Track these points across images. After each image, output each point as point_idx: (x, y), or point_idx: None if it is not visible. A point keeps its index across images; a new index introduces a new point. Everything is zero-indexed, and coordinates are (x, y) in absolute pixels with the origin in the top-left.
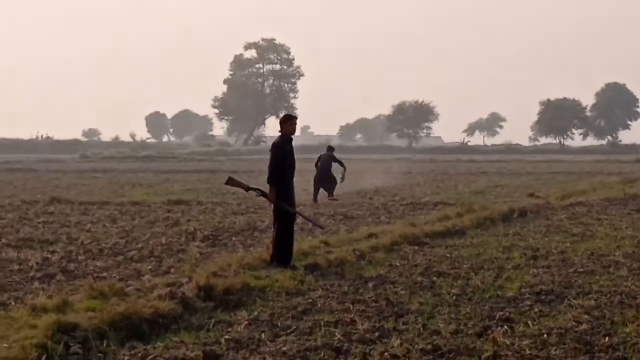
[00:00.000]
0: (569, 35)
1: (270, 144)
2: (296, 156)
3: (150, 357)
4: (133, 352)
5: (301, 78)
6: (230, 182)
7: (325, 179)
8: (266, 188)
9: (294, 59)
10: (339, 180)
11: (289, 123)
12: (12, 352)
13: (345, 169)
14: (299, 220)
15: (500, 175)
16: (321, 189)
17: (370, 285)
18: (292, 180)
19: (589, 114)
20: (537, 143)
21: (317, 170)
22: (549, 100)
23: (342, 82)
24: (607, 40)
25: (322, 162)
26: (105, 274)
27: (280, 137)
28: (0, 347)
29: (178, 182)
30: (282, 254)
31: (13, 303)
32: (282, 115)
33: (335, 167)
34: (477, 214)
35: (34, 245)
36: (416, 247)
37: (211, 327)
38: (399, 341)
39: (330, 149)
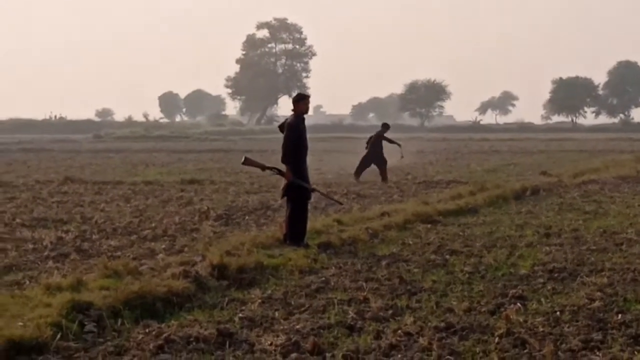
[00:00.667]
0: (582, 13)
1: (282, 122)
2: (308, 135)
3: (164, 335)
4: (147, 330)
5: (313, 57)
6: (247, 161)
7: (373, 158)
8: (281, 167)
9: (306, 38)
10: (395, 158)
11: (302, 102)
12: (27, 330)
13: (399, 145)
14: (313, 198)
15: (513, 153)
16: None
17: (383, 263)
18: (305, 158)
19: (600, 92)
20: (549, 121)
21: (367, 148)
22: (560, 78)
23: (354, 61)
24: (619, 18)
25: (372, 141)
26: (119, 253)
27: (294, 116)
28: (15, 326)
29: (191, 161)
30: (295, 232)
31: (27, 282)
32: (294, 94)
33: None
34: (489, 192)
35: (47, 224)
36: (429, 225)
37: (225, 305)
38: (411, 319)
39: (385, 126)
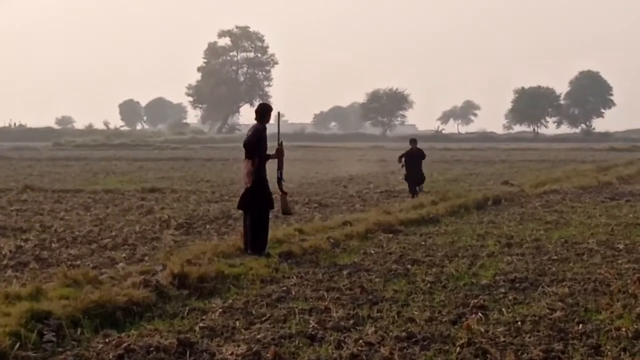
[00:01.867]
0: (543, 23)
1: (243, 131)
2: (269, 144)
3: (124, 344)
4: (107, 340)
5: (275, 66)
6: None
7: (417, 175)
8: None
9: (267, 47)
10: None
11: (267, 113)
12: None
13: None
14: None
15: (475, 163)
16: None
17: (345, 272)
18: (265, 165)
19: (562, 101)
20: (511, 131)
21: (406, 165)
22: (522, 88)
23: (316, 69)
24: (581, 28)
25: (413, 158)
26: (78, 262)
27: (259, 123)
28: None
29: (152, 169)
30: (257, 241)
31: None
32: (256, 103)
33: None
34: (451, 202)
35: (6, 233)
36: (390, 235)
37: (185, 314)
38: (373, 328)
39: (414, 142)
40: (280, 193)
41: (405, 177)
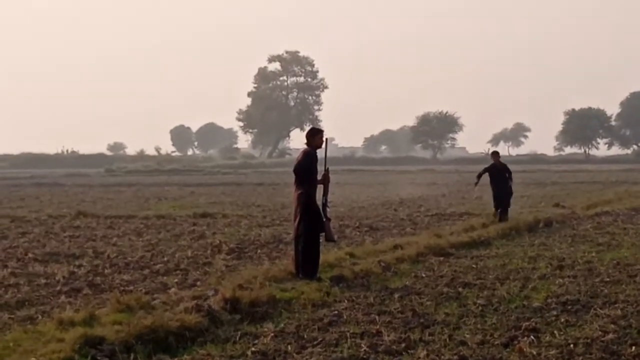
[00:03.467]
0: (593, 44)
1: (294, 156)
2: (320, 168)
3: None
4: None
5: (325, 90)
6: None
7: (503, 195)
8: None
9: (317, 71)
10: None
11: (317, 136)
12: None
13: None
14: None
15: (525, 185)
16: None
17: (396, 296)
18: (315, 190)
19: (613, 123)
20: (561, 153)
21: (492, 183)
22: (573, 109)
23: (366, 93)
24: (631, 48)
25: (498, 174)
26: (131, 287)
27: (309, 148)
28: None
29: (203, 195)
30: (309, 265)
31: (40, 317)
32: (307, 127)
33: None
34: (502, 225)
35: (60, 259)
36: (441, 258)
37: (237, 339)
38: (425, 352)
39: (497, 154)
40: (325, 219)
41: (493, 197)
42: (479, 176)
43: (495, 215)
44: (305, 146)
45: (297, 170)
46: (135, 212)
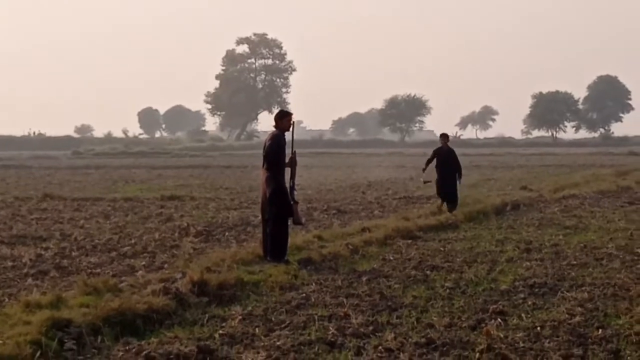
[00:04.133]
0: (561, 28)
1: (262, 138)
2: (288, 150)
3: (144, 352)
4: (127, 348)
5: (293, 72)
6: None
7: (448, 184)
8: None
9: (285, 54)
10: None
11: (285, 119)
12: (6, 348)
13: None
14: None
15: (493, 168)
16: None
17: (364, 279)
18: (284, 173)
19: (580, 106)
20: (529, 136)
21: (437, 168)
22: (540, 93)
23: (334, 76)
24: (599, 33)
25: (444, 159)
26: (98, 270)
27: (277, 130)
28: None
29: (171, 177)
30: (277, 248)
31: (7, 299)
32: (275, 110)
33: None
34: (469, 207)
35: (27, 241)
36: (409, 241)
37: (205, 322)
38: (392, 335)
39: (445, 137)
40: (292, 202)
41: (436, 183)
42: (428, 162)
43: (440, 207)
44: (274, 129)
45: (266, 154)
46: (103, 195)
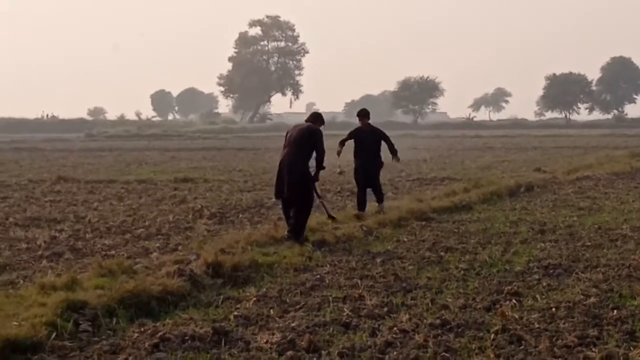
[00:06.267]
0: (575, 9)
1: (275, 121)
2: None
3: (160, 333)
4: (142, 329)
5: (306, 55)
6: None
7: (368, 170)
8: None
9: (298, 36)
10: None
11: (318, 122)
12: (22, 330)
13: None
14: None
15: (506, 150)
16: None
17: (378, 260)
18: None
19: (594, 88)
20: (542, 117)
21: (355, 153)
22: (554, 74)
23: (346, 58)
24: (612, 14)
25: (365, 141)
26: (113, 252)
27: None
28: (10, 325)
29: (184, 159)
30: (299, 227)
31: (22, 281)
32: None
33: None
34: (483, 189)
35: (41, 223)
36: (423, 222)
37: (220, 303)
38: (407, 316)
39: (364, 115)
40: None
41: (354, 173)
42: (342, 143)
43: (360, 215)
44: (309, 123)
45: (319, 149)
46: (116, 177)
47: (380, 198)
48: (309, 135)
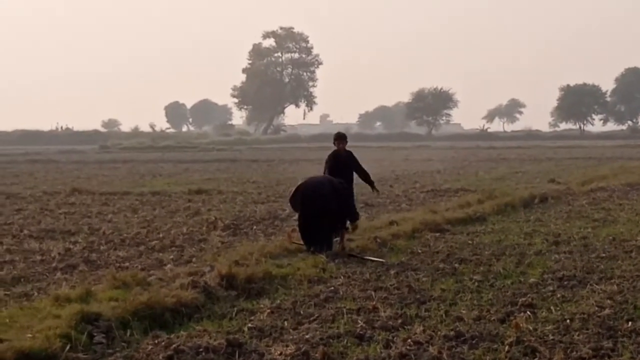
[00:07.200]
0: (588, 20)
1: (289, 132)
2: (315, 144)
3: (174, 345)
4: (156, 341)
5: (320, 66)
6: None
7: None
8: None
9: (312, 47)
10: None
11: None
12: (36, 342)
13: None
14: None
15: (520, 161)
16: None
17: (392, 272)
18: None
19: (608, 99)
20: (556, 129)
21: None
22: (568, 85)
23: (360, 69)
24: (626, 25)
25: (341, 165)
26: (127, 264)
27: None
28: (25, 337)
29: (198, 171)
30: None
31: (36, 293)
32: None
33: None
34: (497, 200)
35: (55, 235)
36: (437, 234)
37: (234, 315)
38: (421, 327)
39: (342, 139)
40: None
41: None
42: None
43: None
44: (339, 147)
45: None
46: (130, 189)
47: (355, 217)
48: (332, 188)
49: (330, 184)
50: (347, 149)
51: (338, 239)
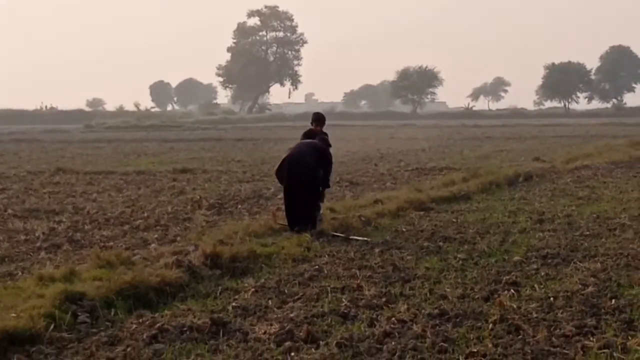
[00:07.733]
0: None
1: (274, 111)
2: (300, 123)
3: (158, 324)
4: (140, 320)
5: (304, 45)
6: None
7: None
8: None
9: (297, 26)
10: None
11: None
12: (20, 321)
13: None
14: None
15: (505, 139)
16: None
17: (377, 250)
18: None
19: (593, 77)
20: (541, 107)
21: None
22: (553, 63)
23: (345, 48)
24: (611, 3)
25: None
26: (111, 243)
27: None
28: (8, 317)
29: (182, 150)
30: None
31: (20, 273)
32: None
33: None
34: (482, 179)
35: (39, 215)
36: (422, 212)
37: (218, 294)
38: (405, 306)
39: (319, 121)
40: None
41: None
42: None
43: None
44: (315, 128)
45: (329, 159)
46: (115, 168)
47: (326, 185)
48: (318, 155)
49: (315, 150)
50: (325, 130)
51: (322, 217)
